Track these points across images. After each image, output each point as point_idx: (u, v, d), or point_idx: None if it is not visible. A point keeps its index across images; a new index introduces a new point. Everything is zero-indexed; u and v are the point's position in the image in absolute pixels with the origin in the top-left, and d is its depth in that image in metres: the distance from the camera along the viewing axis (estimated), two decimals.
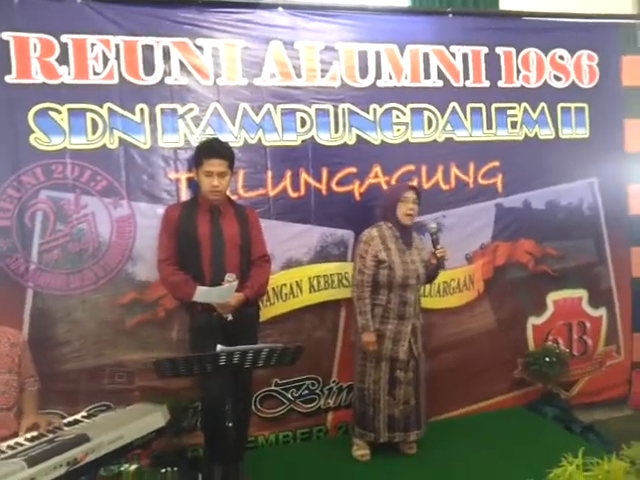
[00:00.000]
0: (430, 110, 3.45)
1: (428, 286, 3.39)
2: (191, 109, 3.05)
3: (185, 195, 3.02)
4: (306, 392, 3.28)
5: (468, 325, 3.55)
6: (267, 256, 2.87)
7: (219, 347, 2.06)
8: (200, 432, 2.92)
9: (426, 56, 3.43)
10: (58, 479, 1.99)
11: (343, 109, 3.28)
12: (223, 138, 2.96)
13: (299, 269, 3.24)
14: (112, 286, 2.91)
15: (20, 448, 2.11)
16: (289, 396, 3.25)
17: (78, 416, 2.44)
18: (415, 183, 3.37)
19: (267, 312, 3.11)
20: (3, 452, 2.10)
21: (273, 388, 3.21)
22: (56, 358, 2.84)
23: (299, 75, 3.21)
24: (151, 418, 2.37)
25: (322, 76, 3.25)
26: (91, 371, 2.89)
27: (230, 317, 2.59)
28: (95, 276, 2.89)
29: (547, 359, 3.57)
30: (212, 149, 2.72)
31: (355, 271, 3.03)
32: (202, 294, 2.53)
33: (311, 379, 3.29)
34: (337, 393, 3.34)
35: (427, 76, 3.44)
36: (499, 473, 2.86)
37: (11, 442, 2.18)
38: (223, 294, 2.55)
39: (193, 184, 2.99)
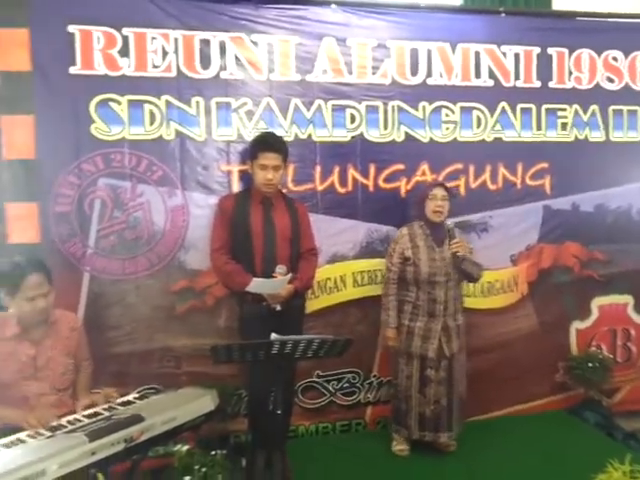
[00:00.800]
0: (479, 109, 3.44)
1: (472, 286, 3.40)
2: (245, 103, 3.11)
3: (236, 187, 3.09)
4: (347, 385, 3.33)
5: (511, 326, 3.54)
6: (315, 249, 2.93)
7: (273, 335, 2.12)
8: (243, 419, 3.01)
9: (477, 55, 3.43)
10: (115, 455, 2.09)
11: (393, 106, 3.31)
12: (275, 132, 3.02)
13: (344, 264, 3.29)
14: (164, 273, 3.00)
15: (79, 424, 2.21)
16: (330, 388, 3.30)
17: (130, 397, 2.52)
18: (462, 182, 3.39)
19: (311, 305, 3.16)
20: (64, 427, 2.20)
21: (315, 379, 3.26)
22: (109, 340, 2.94)
23: (350, 72, 3.25)
24: (201, 402, 2.43)
25: (373, 73, 3.28)
26: (142, 354, 2.98)
27: (279, 307, 2.65)
28: (149, 263, 2.98)
29: (590, 364, 3.54)
30: (268, 143, 2.78)
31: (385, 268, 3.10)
32: (257, 285, 2.59)
33: (352, 372, 3.33)
34: (377, 388, 3.38)
35: (478, 75, 3.43)
36: (539, 475, 2.85)
37: (70, 418, 2.28)
38: (276, 286, 2.61)
39: (245, 176, 3.06)
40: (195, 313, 3.05)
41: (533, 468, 2.91)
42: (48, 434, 2.13)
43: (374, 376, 3.37)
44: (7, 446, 2.04)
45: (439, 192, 3.03)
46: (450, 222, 3.04)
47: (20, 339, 2.39)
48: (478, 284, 3.39)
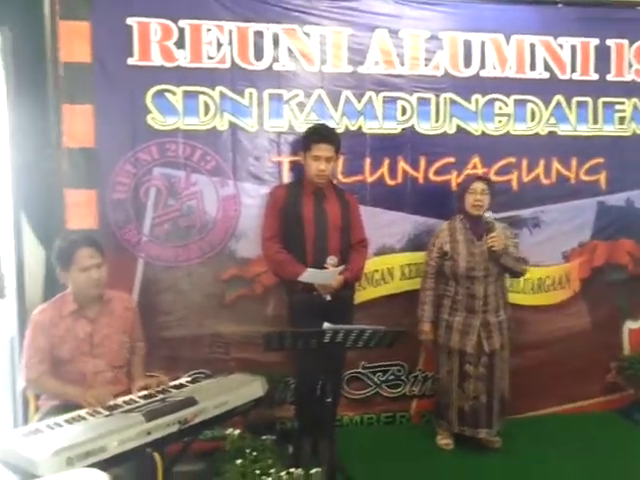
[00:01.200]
0: (534, 102, 3.38)
1: (522, 282, 3.36)
2: (296, 95, 3.13)
3: (286, 178, 3.13)
4: (392, 377, 3.34)
5: (561, 324, 3.47)
6: (366, 241, 2.94)
7: (326, 325, 2.15)
8: (289, 406, 3.05)
9: (532, 47, 3.36)
10: (169, 436, 2.15)
11: (445, 98, 3.27)
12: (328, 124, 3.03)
13: (391, 256, 3.29)
14: (215, 261, 3.06)
15: (135, 404, 2.29)
16: (375, 380, 3.31)
17: (182, 380, 2.59)
18: (514, 176, 3.34)
19: (358, 296, 3.17)
20: (120, 406, 2.28)
21: (360, 370, 3.28)
22: (161, 325, 3.02)
23: (402, 63, 3.23)
24: (251, 388, 2.48)
25: (425, 65, 3.25)
26: (192, 339, 3.06)
27: (329, 298, 2.67)
28: (201, 251, 3.05)
29: None
30: (321, 134, 2.81)
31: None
32: (310, 275, 2.63)
33: (398, 365, 3.34)
34: (422, 382, 3.37)
35: (533, 67, 3.37)
36: (585, 476, 2.81)
37: (126, 398, 2.36)
38: (328, 277, 2.64)
39: (295, 167, 3.09)
40: (244, 301, 3.10)
41: (579, 468, 2.87)
42: (106, 412, 2.21)
43: (419, 370, 3.37)
44: (69, 422, 2.13)
45: (479, 186, 2.99)
46: (490, 215, 2.98)
47: (77, 316, 2.49)
48: (529, 280, 3.35)
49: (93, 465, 1.84)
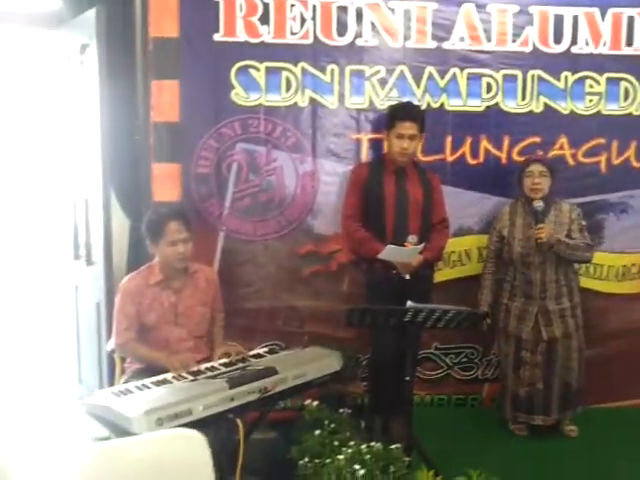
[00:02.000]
0: (628, 80, 3.20)
1: (605, 269, 3.23)
2: (378, 71, 3.10)
3: (366, 155, 3.11)
4: (464, 360, 3.30)
5: None
6: (447, 221, 2.90)
7: (409, 303, 2.14)
8: (359, 382, 3.08)
9: (630, 20, 3.17)
10: (250, 404, 2.22)
11: (532, 75, 3.15)
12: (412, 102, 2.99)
13: (469, 237, 3.23)
14: (292, 236, 3.10)
15: (217, 371, 2.37)
16: (447, 361, 3.29)
17: (260, 350, 2.66)
18: (603, 158, 3.19)
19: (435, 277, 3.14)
20: (203, 372, 2.37)
21: (433, 351, 3.26)
22: (239, 296, 3.09)
23: (489, 39, 3.12)
24: (328, 361, 2.52)
25: (513, 41, 3.13)
26: (268, 312, 3.12)
27: (408, 277, 2.66)
28: (279, 225, 3.09)
29: None
30: (405, 112, 2.78)
31: None
32: (390, 252, 2.62)
33: (471, 348, 3.29)
34: (495, 366, 3.31)
35: (629, 43, 3.18)
36: None
37: (208, 365, 2.45)
38: (409, 254, 2.63)
39: (375, 145, 3.07)
40: (319, 277, 3.13)
41: None
42: (191, 378, 2.31)
43: (493, 354, 3.31)
44: (156, 384, 2.24)
45: (536, 168, 2.88)
46: (539, 205, 2.86)
47: (163, 286, 2.60)
48: (613, 268, 3.21)
49: (179, 427, 1.93)
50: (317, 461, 1.96)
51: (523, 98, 3.15)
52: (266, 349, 2.70)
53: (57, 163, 3.80)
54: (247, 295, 3.13)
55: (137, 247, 3.25)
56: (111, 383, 2.99)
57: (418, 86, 3.11)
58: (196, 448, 1.44)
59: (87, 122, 3.21)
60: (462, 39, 3.11)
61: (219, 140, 3.04)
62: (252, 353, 2.63)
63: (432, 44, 3.10)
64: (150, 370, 2.48)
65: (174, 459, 1.43)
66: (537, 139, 3.17)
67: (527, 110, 3.16)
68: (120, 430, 1.93)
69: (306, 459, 1.98)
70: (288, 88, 3.06)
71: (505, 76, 3.14)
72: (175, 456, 1.43)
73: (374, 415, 2.77)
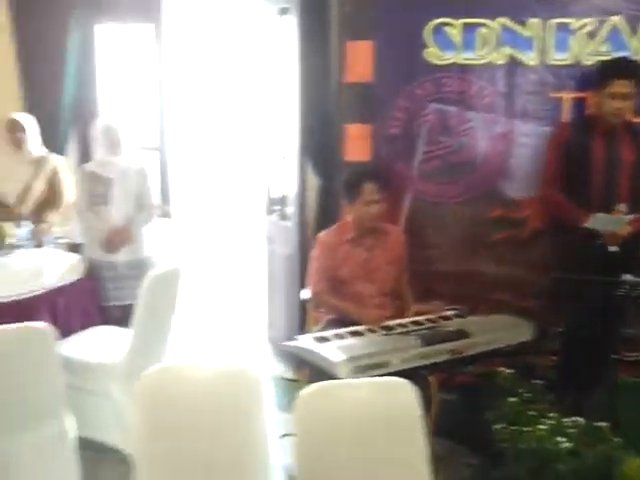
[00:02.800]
0: None
1: None
2: (586, 23, 2.84)
3: (566, 116, 2.90)
4: None
5: None
6: None
7: (627, 276, 1.99)
8: (546, 355, 2.95)
9: None
10: (440, 364, 2.25)
11: None
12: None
13: None
14: (482, 200, 3.01)
15: (407, 329, 2.43)
16: None
17: (448, 313, 2.66)
18: None
19: None
20: (394, 328, 2.44)
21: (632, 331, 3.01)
22: (424, 258, 3.10)
23: None
24: (519, 330, 2.46)
25: None
26: (451, 276, 3.09)
27: (614, 249, 2.46)
28: (468, 188, 3.02)
29: None
30: (620, 68, 2.53)
31: None
32: (599, 221, 2.45)
33: None
34: None
35: None
36: None
37: (398, 321, 2.51)
38: (618, 224, 2.44)
39: (577, 105, 2.85)
40: (508, 243, 3.02)
41: None
42: (383, 332, 2.39)
43: None
44: (351, 335, 2.35)
45: None
46: None
47: (356, 243, 2.70)
48: None
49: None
50: (514, 428, 1.93)
51: None
52: (453, 312, 2.69)
53: (257, 121, 4.07)
54: (431, 258, 3.13)
55: (325, 206, 3.40)
56: (300, 329, 3.21)
57: (634, 38, 2.80)
58: (409, 398, 1.49)
59: (286, 82, 3.38)
60: None
61: (411, 100, 3.03)
62: (439, 315, 2.64)
63: None
64: (342, 321, 2.62)
65: (388, 406, 1.50)
66: None
67: None
68: (322, 373, 2.07)
69: (502, 425, 1.96)
70: (484, 45, 2.93)
71: None
72: (389, 403, 1.50)
73: (565, 390, 2.65)
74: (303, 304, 3.14)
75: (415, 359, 2.16)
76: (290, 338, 3.39)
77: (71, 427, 2.07)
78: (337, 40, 3.21)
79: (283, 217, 3.57)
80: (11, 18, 3.61)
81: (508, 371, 2.35)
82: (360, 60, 3.07)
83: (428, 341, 2.22)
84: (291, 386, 3.28)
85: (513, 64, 2.93)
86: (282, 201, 3.58)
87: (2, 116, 3.32)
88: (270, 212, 3.72)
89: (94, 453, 2.47)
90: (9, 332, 1.81)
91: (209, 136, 6.86)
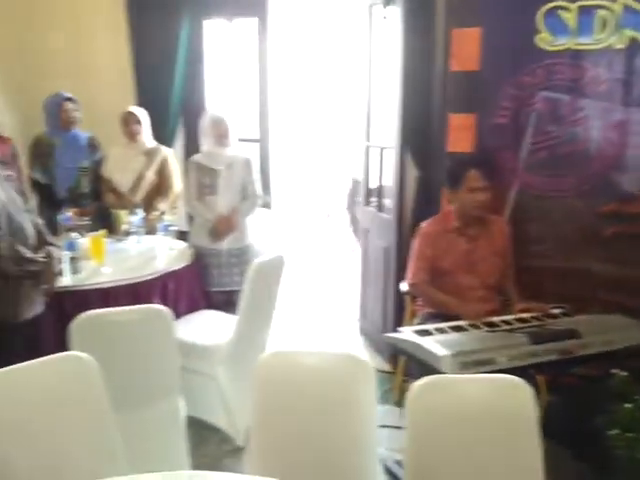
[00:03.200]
0: None
1: None
2: None
3: None
4: None
5: None
6: None
7: None
8: None
9: None
10: (550, 364, 2.16)
11: None
12: None
13: None
14: (593, 194, 2.85)
15: (512, 326, 2.36)
16: None
17: (556, 311, 2.55)
18: None
19: None
20: (497, 325, 2.38)
21: None
22: (527, 253, 2.98)
23: None
24: (634, 332, 2.32)
25: None
26: (558, 272, 2.95)
27: None
28: (578, 181, 2.87)
29: None
30: None
31: None
32: None
33: None
34: None
35: None
36: None
37: (502, 318, 2.44)
38: None
39: None
40: (622, 240, 2.84)
41: None
42: (487, 328, 2.33)
43: None
44: (454, 330, 2.31)
45: None
46: None
47: (459, 233, 2.66)
48: None
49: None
50: (630, 435, 1.83)
51: None
52: (560, 311, 2.58)
53: (355, 110, 4.08)
54: (536, 253, 3.00)
55: (423, 198, 3.36)
56: (396, 321, 3.20)
57: None
58: (525, 398, 1.45)
59: (387, 72, 3.36)
60: None
61: (520, 88, 2.91)
62: (545, 313, 2.54)
63: None
64: (441, 315, 2.58)
65: (502, 404, 1.47)
66: None
67: None
68: (425, 366, 2.05)
69: (616, 430, 1.86)
70: (602, 29, 2.76)
71: None
72: (504, 402, 1.47)
73: None
74: (399, 297, 3.13)
75: (523, 358, 2.10)
76: (384, 330, 3.43)
77: (182, 406, 2.19)
78: (442, 28, 3.14)
79: (380, 208, 3.56)
80: (127, 16, 3.82)
81: (623, 374, 2.22)
82: (467, 48, 2.99)
83: (537, 339, 2.15)
84: (385, 378, 3.28)
85: (634, 47, 2.74)
86: (379, 192, 3.58)
87: (118, 109, 3.52)
88: (367, 203, 3.73)
89: (198, 431, 2.60)
90: (132, 313, 1.94)
91: (308, 128, 6.98)
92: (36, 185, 3.50)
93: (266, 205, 3.66)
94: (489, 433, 1.43)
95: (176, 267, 2.91)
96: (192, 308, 3.01)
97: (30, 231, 2.20)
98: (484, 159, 2.64)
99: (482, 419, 1.44)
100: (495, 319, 2.42)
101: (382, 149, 3.53)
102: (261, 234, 3.45)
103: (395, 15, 3.27)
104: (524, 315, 2.48)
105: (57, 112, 3.46)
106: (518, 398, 1.45)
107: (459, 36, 2.99)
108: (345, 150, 5.33)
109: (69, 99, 3.48)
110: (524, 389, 1.46)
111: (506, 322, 2.40)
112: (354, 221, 5.94)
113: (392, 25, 3.32)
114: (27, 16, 4.00)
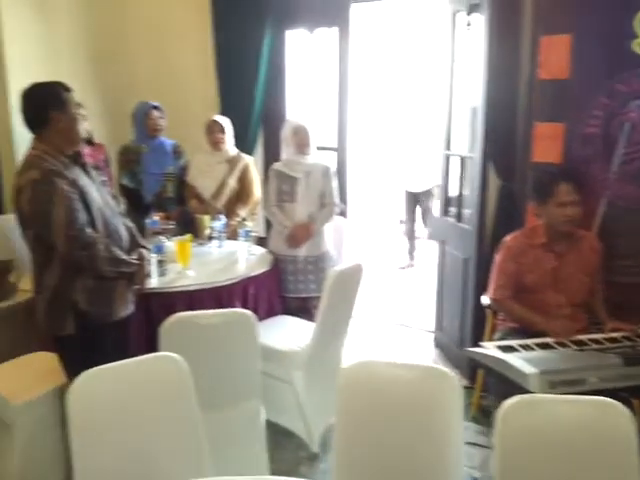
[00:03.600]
0: None
1: None
2: None
3: None
4: None
5: None
6: None
7: None
8: None
9: None
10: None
11: None
12: None
13: None
14: None
15: (602, 345, 2.25)
16: None
17: None
18: None
19: None
20: (586, 344, 2.28)
21: None
22: (614, 269, 2.84)
23: None
24: None
25: None
26: None
27: None
28: None
29: None
30: None
31: None
32: None
33: None
34: None
35: None
36: None
37: (592, 337, 2.34)
38: None
39: None
40: None
41: None
42: (575, 347, 2.24)
43: None
44: (540, 347, 2.23)
45: None
46: None
47: (546, 249, 2.56)
48: None
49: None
50: None
51: None
52: None
53: (434, 118, 4.04)
54: (624, 269, 2.84)
55: (505, 209, 3.27)
56: (474, 335, 3.13)
57: None
58: (623, 422, 1.38)
59: (470, 80, 3.30)
60: None
61: (612, 97, 2.78)
62: (636, 333, 2.41)
63: None
64: (523, 331, 2.50)
65: (598, 427, 1.40)
66: None
67: None
68: (510, 383, 1.99)
69: None
70: None
71: None
72: (599, 424, 1.40)
73: None
74: (478, 310, 3.05)
75: (615, 379, 2.00)
76: (462, 344, 3.35)
77: (262, 409, 2.22)
78: (529, 35, 3.06)
79: (459, 219, 3.49)
80: (212, 28, 3.95)
81: None
82: (556, 56, 2.89)
83: (630, 361, 2.04)
84: (464, 393, 3.20)
85: None
86: (458, 202, 3.51)
87: (203, 118, 3.64)
88: (445, 213, 3.67)
89: (274, 435, 2.63)
90: (218, 316, 2.00)
91: (384, 138, 6.97)
92: (124, 190, 3.66)
93: (342, 213, 3.68)
94: (586, 457, 1.37)
95: (256, 272, 2.97)
96: (270, 313, 3.06)
97: (124, 234, 2.31)
98: (575, 172, 2.54)
99: (579, 442, 1.38)
100: (584, 338, 2.33)
101: (462, 158, 3.47)
102: (336, 242, 3.46)
103: (479, 22, 3.21)
104: (614, 335, 2.36)
105: (144, 120, 3.60)
106: (617, 421, 1.38)
107: (548, 44, 2.89)
108: (427, 158, 5.28)
109: (155, 107, 3.61)
110: (623, 412, 1.39)
111: (596, 341, 2.30)
112: (409, 233, 5.89)
113: (476, 33, 3.26)
114: (119, 27, 4.24)
